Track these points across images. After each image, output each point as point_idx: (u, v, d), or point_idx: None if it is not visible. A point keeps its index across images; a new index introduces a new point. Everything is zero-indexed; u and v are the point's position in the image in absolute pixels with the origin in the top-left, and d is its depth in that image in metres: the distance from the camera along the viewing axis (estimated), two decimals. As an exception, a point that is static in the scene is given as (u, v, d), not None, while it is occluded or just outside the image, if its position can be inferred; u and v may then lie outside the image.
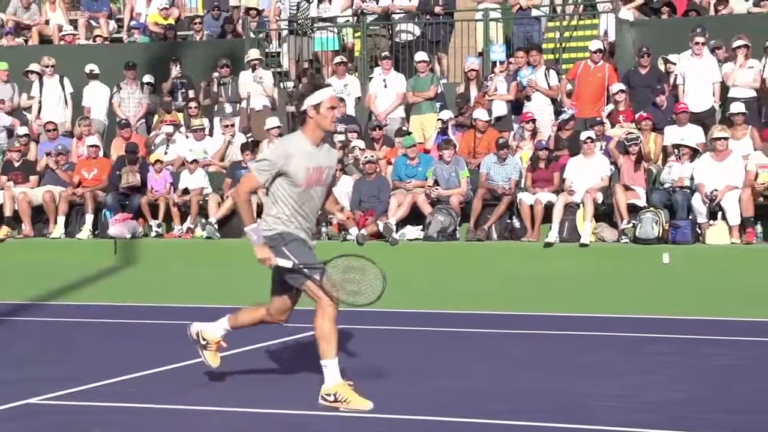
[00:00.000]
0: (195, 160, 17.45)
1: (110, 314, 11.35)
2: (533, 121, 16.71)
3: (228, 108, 18.77)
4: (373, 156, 16.34)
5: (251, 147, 17.44)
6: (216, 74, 19.01)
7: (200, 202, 17.06)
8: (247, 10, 20.30)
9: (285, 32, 20.02)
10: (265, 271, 14.26)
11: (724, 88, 16.41)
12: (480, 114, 16.72)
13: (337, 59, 18.48)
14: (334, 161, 7.00)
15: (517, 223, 15.70)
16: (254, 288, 13.57)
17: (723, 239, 14.57)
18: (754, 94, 16.20)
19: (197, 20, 21.04)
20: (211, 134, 18.66)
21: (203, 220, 16.90)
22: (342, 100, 17.88)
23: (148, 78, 19.53)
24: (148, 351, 8.94)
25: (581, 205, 15.19)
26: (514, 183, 15.85)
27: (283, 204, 6.77)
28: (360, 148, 16.74)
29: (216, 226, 16.64)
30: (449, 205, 15.83)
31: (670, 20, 18.36)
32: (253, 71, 18.54)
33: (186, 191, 17.27)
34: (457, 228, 15.78)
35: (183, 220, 17.10)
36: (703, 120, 16.14)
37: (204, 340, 7.35)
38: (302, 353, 8.52)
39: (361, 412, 6.56)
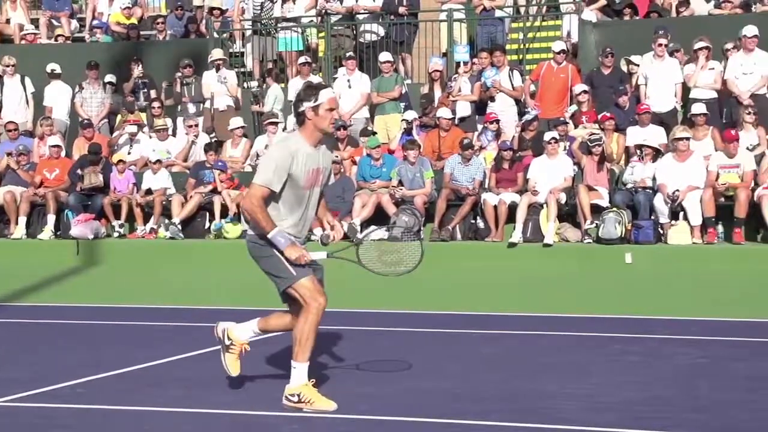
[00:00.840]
0: (158, 161, 17.37)
1: (72, 315, 11.26)
2: (497, 121, 16.77)
3: (191, 108, 18.69)
4: (337, 156, 16.32)
5: (215, 147, 17.39)
6: (179, 74, 18.93)
7: (163, 202, 16.98)
8: (211, 9, 20.24)
9: (249, 32, 19.97)
10: (228, 272, 14.15)
11: (686, 89, 16.54)
12: (443, 113, 16.77)
13: (302, 59, 18.46)
14: (330, 162, 6.93)
15: (481, 224, 15.75)
16: (218, 289, 13.54)
17: (685, 239, 14.68)
18: (715, 95, 16.33)
19: (160, 20, 20.95)
20: (174, 134, 18.59)
21: (166, 221, 16.83)
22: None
23: (109, 78, 19.43)
24: (111, 352, 8.87)
25: (545, 206, 15.25)
26: (478, 183, 15.89)
27: (279, 205, 6.66)
28: (324, 149, 16.69)
29: (179, 226, 16.58)
30: (413, 205, 15.85)
31: (632, 21, 18.48)
32: (217, 71, 18.48)
33: (149, 191, 17.19)
34: (422, 228, 15.79)
35: (146, 221, 17.02)
36: (665, 121, 16.26)
37: (229, 340, 7.06)
38: (269, 354, 8.49)
39: (326, 413, 6.54)
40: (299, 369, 6.64)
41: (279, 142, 6.95)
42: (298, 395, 6.61)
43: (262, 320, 7.07)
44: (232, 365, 7.06)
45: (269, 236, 6.59)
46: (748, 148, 15.23)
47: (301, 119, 6.70)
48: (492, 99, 17.20)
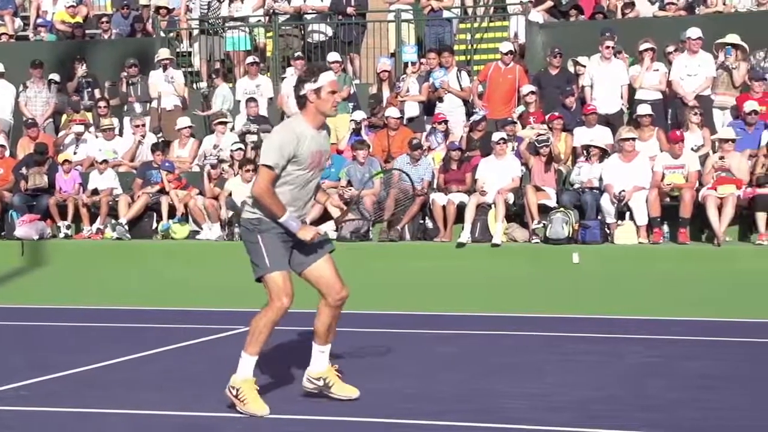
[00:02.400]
0: (105, 160, 17.21)
1: (17, 317, 11.11)
2: (445, 122, 16.81)
3: (138, 108, 18.57)
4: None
5: (162, 147, 17.27)
6: (124, 73, 18.78)
7: (110, 202, 16.83)
8: (157, 9, 20.09)
9: (196, 32, 19.85)
10: (176, 272, 13.91)
11: (632, 90, 16.68)
12: (392, 112, 16.79)
13: (249, 59, 18.40)
14: (329, 145, 6.86)
15: (429, 224, 15.78)
16: (165, 290, 13.44)
17: (631, 239, 14.81)
18: (660, 96, 16.49)
19: (105, 19, 20.78)
20: (120, 134, 18.44)
21: (113, 221, 16.68)
22: (254, 100, 17.80)
23: (53, 76, 19.22)
24: (56, 354, 8.76)
25: (493, 206, 15.31)
26: (426, 184, 15.91)
27: (282, 188, 6.53)
28: (272, 149, 16.64)
29: (126, 227, 16.45)
30: (363, 205, 15.83)
31: (578, 23, 18.62)
32: (164, 71, 18.35)
33: (95, 192, 17.03)
34: (371, 228, 15.78)
35: (92, 221, 16.86)
36: (612, 121, 16.38)
37: (319, 380, 6.82)
38: (217, 356, 8.45)
39: (255, 416, 6.44)
40: (246, 360, 6.56)
41: (282, 125, 6.82)
42: (238, 390, 6.52)
43: (315, 337, 6.87)
44: (345, 390, 6.86)
45: (281, 221, 6.49)
46: (692, 149, 15.41)
47: (302, 102, 6.60)
48: (440, 99, 17.25)
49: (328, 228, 6.80)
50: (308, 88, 6.56)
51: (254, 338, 6.55)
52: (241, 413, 6.50)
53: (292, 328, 9.00)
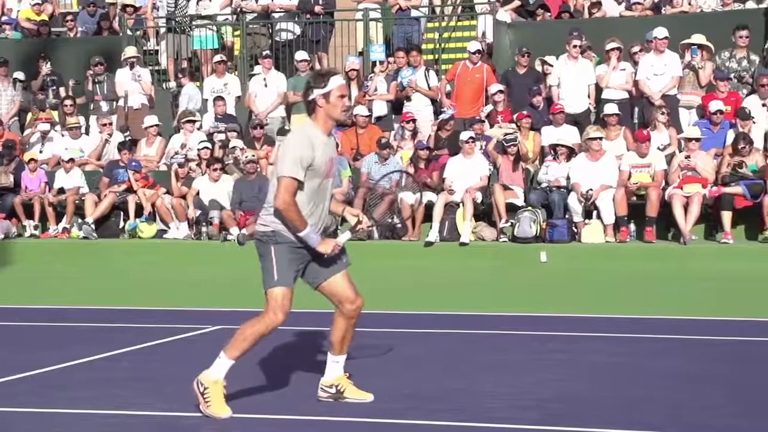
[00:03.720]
0: (71, 159, 17.11)
1: (-17, 317, 11.04)
2: (413, 121, 16.83)
3: (104, 106, 18.47)
4: (253, 155, 16.25)
5: (129, 146, 17.19)
6: (90, 72, 18.68)
7: (76, 201, 16.73)
8: (124, 6, 19.99)
9: (163, 30, 19.77)
10: (143, 271, 13.84)
11: (599, 89, 16.76)
12: (360, 110, 16.79)
13: (217, 58, 18.34)
14: (335, 152, 6.78)
15: (398, 223, 15.78)
16: (132, 289, 13.37)
17: (598, 238, 14.89)
18: (626, 96, 16.58)
19: (70, 17, 20.65)
20: (87, 133, 18.34)
21: (79, 220, 16.58)
22: (221, 99, 17.75)
23: (17, 75, 19.10)
24: (22, 354, 8.71)
25: (461, 205, 15.35)
26: (394, 183, 15.91)
27: (300, 199, 6.42)
28: (240, 148, 16.64)
29: (93, 226, 16.35)
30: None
31: (546, 22, 18.68)
32: (131, 69, 18.25)
33: (62, 191, 16.92)
34: (339, 227, 15.76)
35: (58, 220, 16.75)
36: (579, 121, 16.46)
37: (330, 387, 6.82)
38: (190, 356, 8.42)
39: (217, 420, 6.40)
40: (222, 361, 6.50)
41: (295, 132, 6.71)
42: (206, 389, 6.47)
43: (332, 348, 6.86)
44: (358, 394, 6.83)
45: (302, 235, 6.42)
46: (659, 148, 15.51)
47: (311, 108, 6.52)
48: (408, 98, 17.27)
49: (345, 238, 6.74)
50: (317, 92, 6.48)
51: (237, 343, 6.48)
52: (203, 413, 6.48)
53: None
